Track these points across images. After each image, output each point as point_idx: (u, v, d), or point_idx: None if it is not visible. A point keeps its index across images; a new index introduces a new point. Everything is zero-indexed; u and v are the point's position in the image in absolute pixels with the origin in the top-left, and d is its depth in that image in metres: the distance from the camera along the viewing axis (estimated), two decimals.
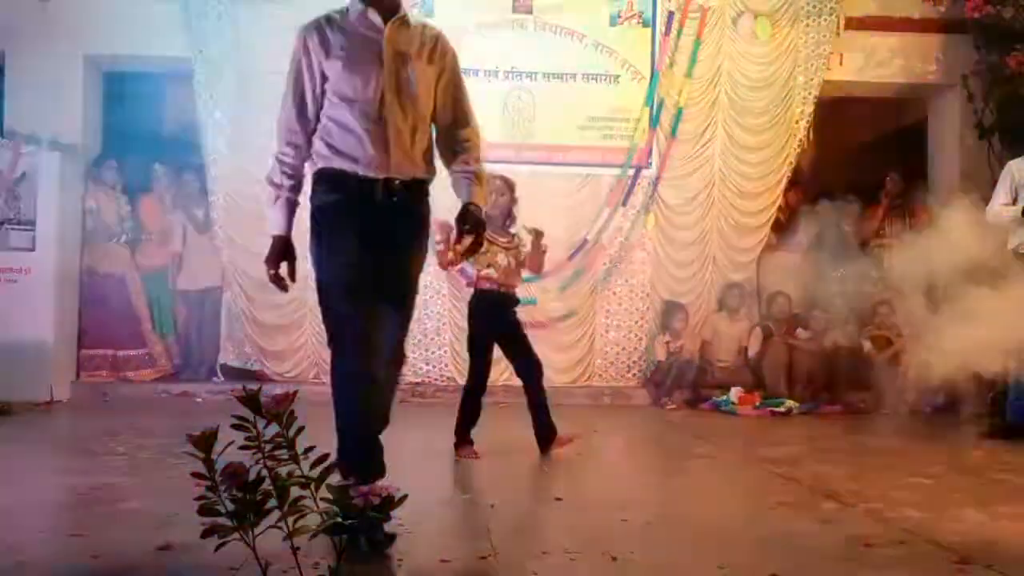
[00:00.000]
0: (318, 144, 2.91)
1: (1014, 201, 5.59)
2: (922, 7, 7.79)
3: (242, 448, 1.89)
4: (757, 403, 7.01)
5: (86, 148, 7.47)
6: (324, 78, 2.88)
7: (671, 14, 7.66)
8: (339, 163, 2.86)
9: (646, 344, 7.70)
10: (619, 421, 6.57)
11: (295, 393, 1.93)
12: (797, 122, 7.76)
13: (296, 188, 2.95)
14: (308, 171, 2.99)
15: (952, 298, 5.12)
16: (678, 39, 7.67)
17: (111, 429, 5.32)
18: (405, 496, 1.90)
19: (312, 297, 7.45)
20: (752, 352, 7.46)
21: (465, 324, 7.28)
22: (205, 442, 1.84)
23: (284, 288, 2.92)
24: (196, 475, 1.85)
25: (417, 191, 2.96)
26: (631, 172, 7.68)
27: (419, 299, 8.99)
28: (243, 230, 7.35)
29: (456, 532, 3.01)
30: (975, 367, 5.11)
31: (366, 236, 2.83)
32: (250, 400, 1.88)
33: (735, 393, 7.08)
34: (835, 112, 8.00)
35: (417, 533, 2.78)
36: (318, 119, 2.91)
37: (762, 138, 7.77)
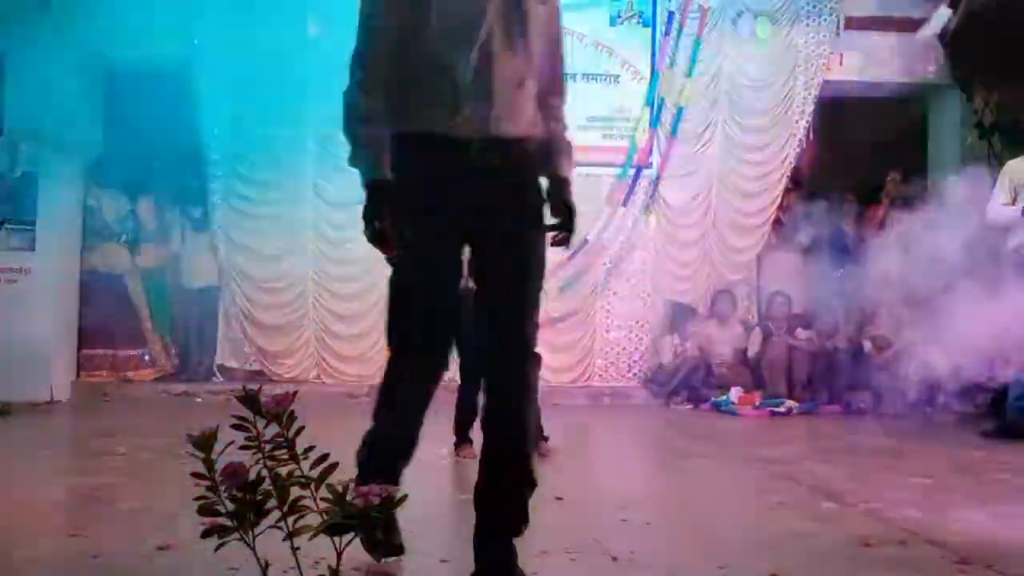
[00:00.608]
0: (398, 96, 2.32)
1: (1013, 201, 5.59)
2: (922, 7, 7.79)
3: (242, 448, 1.89)
4: (757, 403, 7.01)
5: (86, 148, 7.46)
6: (418, 7, 2.29)
7: (671, 14, 7.67)
8: (424, 121, 2.31)
9: (647, 344, 7.71)
10: (619, 421, 6.57)
11: (295, 393, 1.93)
12: (797, 122, 7.77)
13: (387, 114, 2.31)
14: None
15: (951, 298, 5.12)
16: (678, 39, 7.68)
17: (111, 429, 5.32)
18: (405, 496, 1.90)
19: (312, 296, 7.61)
20: (752, 352, 7.47)
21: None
22: (205, 442, 1.84)
23: (392, 253, 2.30)
24: (196, 475, 1.85)
25: (523, 155, 2.38)
26: (631, 172, 7.68)
27: None
28: (241, 229, 7.38)
29: (456, 532, 3.00)
30: (975, 367, 5.11)
31: (458, 219, 2.31)
32: (250, 400, 1.88)
33: (735, 393, 7.09)
34: (835, 112, 8.00)
35: (417, 533, 2.78)
36: (405, 57, 2.31)
37: (762, 138, 7.78)
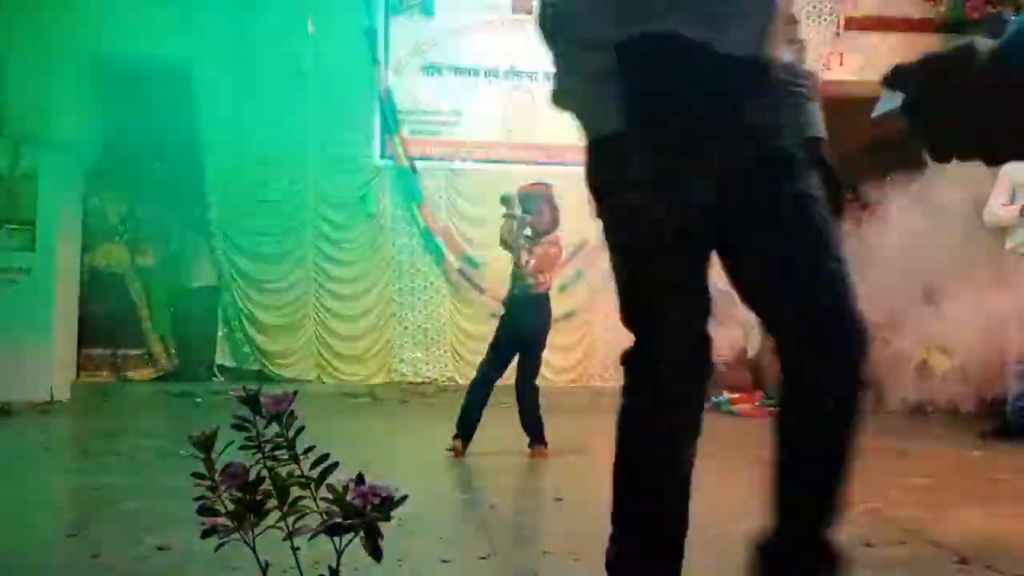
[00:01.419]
0: None
1: (1011, 201, 5.59)
2: (922, 7, 7.80)
3: (242, 448, 1.88)
4: (757, 403, 7.02)
5: (86, 148, 7.47)
6: None
7: None
8: (670, 22, 1.54)
9: None
10: None
11: (295, 393, 1.93)
12: None
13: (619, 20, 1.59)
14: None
15: (952, 298, 5.13)
16: None
17: (111, 429, 5.33)
18: (405, 496, 1.90)
19: (313, 296, 7.63)
20: (752, 351, 7.47)
21: (466, 325, 7.25)
22: (205, 442, 1.84)
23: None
24: (196, 475, 1.85)
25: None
26: None
27: (419, 299, 8.95)
28: (241, 230, 7.40)
29: (456, 532, 3.00)
30: (975, 367, 5.11)
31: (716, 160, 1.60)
32: (250, 400, 1.87)
33: (733, 393, 7.09)
34: (835, 112, 7.99)
35: (417, 533, 2.78)
36: None
37: None
